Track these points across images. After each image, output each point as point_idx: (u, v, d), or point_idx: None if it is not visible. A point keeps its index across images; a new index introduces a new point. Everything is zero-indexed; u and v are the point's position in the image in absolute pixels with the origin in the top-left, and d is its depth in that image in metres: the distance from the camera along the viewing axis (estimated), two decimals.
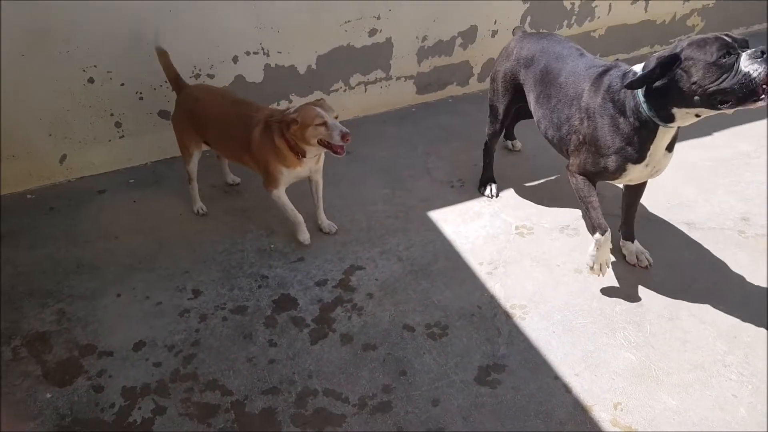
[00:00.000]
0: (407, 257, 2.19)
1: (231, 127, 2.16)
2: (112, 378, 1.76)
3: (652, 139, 1.77)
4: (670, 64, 1.62)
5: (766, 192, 2.47)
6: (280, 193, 2.17)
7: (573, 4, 3.24)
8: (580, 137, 1.91)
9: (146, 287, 2.09)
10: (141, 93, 2.59)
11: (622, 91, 1.76)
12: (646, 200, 2.42)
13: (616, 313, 1.94)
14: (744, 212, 2.38)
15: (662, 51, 1.69)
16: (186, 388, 1.73)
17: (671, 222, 2.33)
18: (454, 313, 1.94)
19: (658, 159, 1.83)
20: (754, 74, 1.51)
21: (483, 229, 2.32)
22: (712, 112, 1.63)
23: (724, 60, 1.55)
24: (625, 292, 2.02)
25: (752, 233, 2.27)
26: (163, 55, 2.27)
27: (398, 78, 3.07)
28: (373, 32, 2.88)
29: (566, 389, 1.69)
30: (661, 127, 1.74)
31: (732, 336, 1.85)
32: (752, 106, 1.55)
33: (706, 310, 1.94)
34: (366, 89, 3.03)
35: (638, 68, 1.74)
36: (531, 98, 2.17)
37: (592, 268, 1.95)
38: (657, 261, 2.13)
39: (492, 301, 1.99)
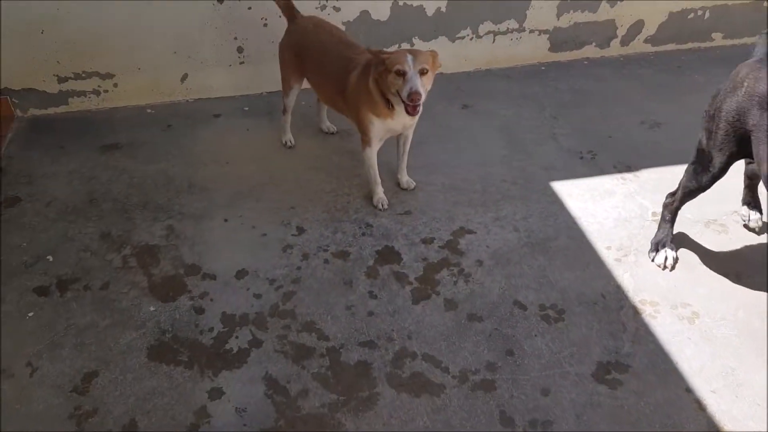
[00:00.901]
0: (524, 228, 2.00)
1: (331, 66, 2.01)
2: (213, 302, 1.74)
3: None
4: None
5: None
6: (373, 153, 2.00)
7: None
8: None
9: (253, 217, 2.05)
10: (266, 19, 2.50)
11: None
12: None
13: (765, 328, 1.68)
14: None
15: None
16: (284, 325, 1.67)
17: None
18: (573, 297, 1.75)
19: None
20: None
21: (614, 210, 2.08)
22: None
23: None
24: None
25: None
26: None
27: (532, 31, 2.80)
28: None
29: (699, 406, 1.48)
30: None
31: None
32: None
33: None
34: (494, 39, 2.78)
35: None
36: (763, 152, 1.56)
37: None
38: None
39: (618, 291, 1.77)
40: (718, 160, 1.70)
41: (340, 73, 1.96)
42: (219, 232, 1.99)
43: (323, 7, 2.52)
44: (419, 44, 2.70)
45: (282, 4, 2.18)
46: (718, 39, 3.03)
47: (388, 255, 1.90)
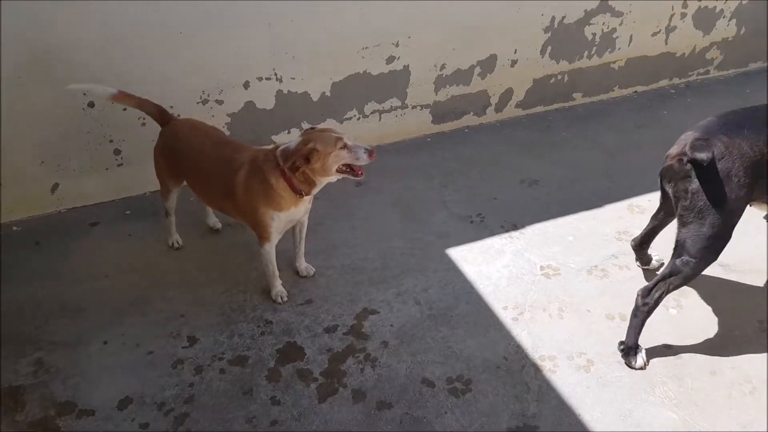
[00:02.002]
0: (425, 300, 2.05)
1: (211, 170, 1.93)
2: None
3: None
4: None
5: None
6: (272, 247, 1.94)
7: (594, 34, 3.15)
8: None
9: (137, 333, 1.91)
10: (144, 119, 2.47)
11: None
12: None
13: (654, 365, 1.80)
14: None
15: None
16: None
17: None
18: (478, 365, 1.80)
19: None
20: None
21: (506, 269, 2.18)
22: None
23: None
24: (662, 340, 1.87)
25: None
26: (123, 98, 2.03)
27: (414, 107, 2.97)
28: (390, 59, 2.78)
29: None
30: None
31: None
32: None
33: (749, 362, 1.80)
34: (381, 118, 2.92)
35: None
36: None
37: None
38: (694, 308, 2.00)
39: (519, 351, 1.84)
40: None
41: (224, 176, 1.89)
42: (97, 357, 1.82)
43: (205, 101, 2.53)
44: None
45: (151, 111, 2.09)
46: (578, 98, 3.36)
47: (290, 352, 1.85)
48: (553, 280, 2.12)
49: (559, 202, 2.55)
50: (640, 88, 3.51)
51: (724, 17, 3.47)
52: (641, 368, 1.78)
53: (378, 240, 2.35)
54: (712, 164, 1.61)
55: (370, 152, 1.77)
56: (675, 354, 1.83)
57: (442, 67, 2.91)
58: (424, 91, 2.94)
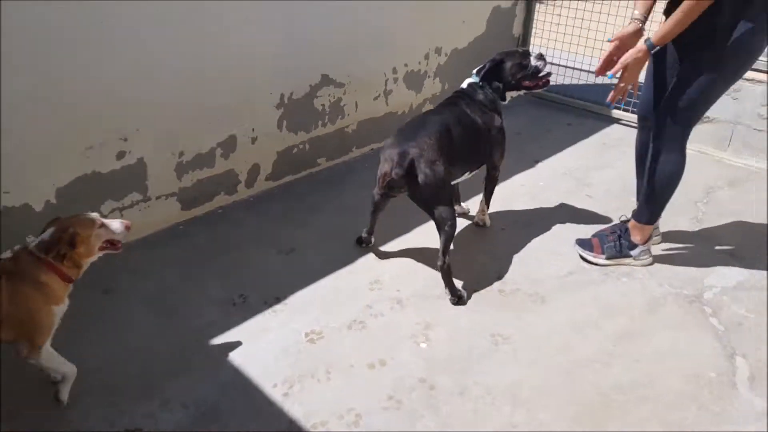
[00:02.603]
0: (192, 401, 1.97)
1: None
2: None
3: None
4: (498, 64, 2.62)
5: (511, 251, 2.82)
6: (49, 345, 1.81)
7: (323, 105, 3.45)
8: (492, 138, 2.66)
9: None
10: None
11: (481, 91, 2.66)
12: (425, 280, 2.58)
13: (412, 401, 1.98)
14: (498, 271, 2.66)
15: (489, 60, 2.67)
16: None
17: (444, 295, 2.50)
18: None
19: None
20: (540, 67, 2.64)
21: (272, 345, 2.22)
22: (522, 91, 2.72)
23: (524, 62, 2.62)
24: (417, 375, 2.08)
25: (509, 289, 2.54)
26: None
27: (158, 197, 2.89)
28: (121, 155, 2.68)
29: None
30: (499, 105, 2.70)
31: (512, 395, 2.01)
32: (540, 83, 2.67)
33: (489, 374, 2.09)
34: (122, 215, 2.78)
35: (472, 79, 2.70)
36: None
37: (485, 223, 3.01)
38: (441, 338, 2.26)
39: (292, 425, 1.87)
40: None
41: None
42: None
43: None
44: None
45: None
46: (323, 163, 3.62)
47: None
48: (318, 345, 2.22)
49: (317, 265, 2.69)
50: (375, 146, 3.91)
51: (429, 77, 4.08)
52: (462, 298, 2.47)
53: (135, 349, 2.20)
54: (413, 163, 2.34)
55: (125, 225, 1.89)
56: (429, 386, 2.04)
57: (181, 154, 2.90)
58: (166, 181, 2.89)
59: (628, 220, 2.78)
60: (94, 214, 1.88)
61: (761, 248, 2.87)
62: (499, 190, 3.06)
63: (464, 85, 2.71)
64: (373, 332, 2.28)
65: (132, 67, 2.58)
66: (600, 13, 4.40)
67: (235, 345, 2.22)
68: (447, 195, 2.43)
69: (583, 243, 2.75)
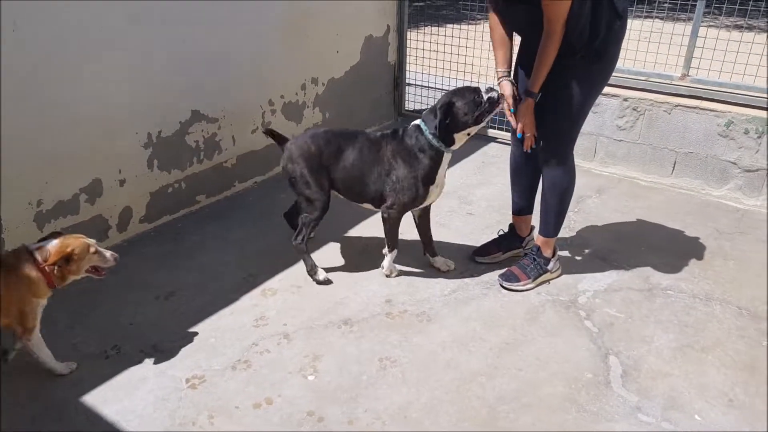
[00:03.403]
0: None
1: None
2: None
3: (440, 164, 2.62)
4: (449, 107, 2.51)
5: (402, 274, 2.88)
6: (38, 333, 2.12)
7: (197, 141, 3.37)
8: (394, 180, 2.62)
9: None
10: None
11: (415, 136, 2.60)
12: (311, 311, 2.57)
13: None
14: (387, 295, 2.71)
15: (436, 103, 2.57)
16: None
17: (332, 324, 2.50)
18: None
19: (442, 179, 2.68)
20: (494, 97, 2.53)
21: (150, 395, 2.10)
22: (478, 127, 2.60)
23: (477, 98, 2.51)
24: (305, 409, 2.05)
25: (396, 311, 2.59)
26: None
27: None
28: None
29: None
30: (445, 153, 2.60)
31: (402, 417, 2.03)
32: (496, 109, 2.56)
33: (378, 399, 2.10)
34: None
35: (419, 122, 2.61)
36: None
37: (389, 275, 2.84)
38: (329, 369, 2.24)
39: None
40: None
41: None
42: None
43: None
44: None
45: None
46: (203, 200, 3.52)
47: None
48: (199, 390, 2.13)
49: (198, 307, 2.59)
50: (258, 178, 3.87)
51: (308, 107, 4.12)
52: (326, 281, 2.78)
53: (3, 413, 2.00)
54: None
55: (114, 256, 2.20)
56: (318, 419, 2.02)
57: (39, 203, 2.70)
58: (26, 233, 2.66)
59: (505, 234, 3.00)
60: (92, 241, 2.15)
61: (629, 250, 3.11)
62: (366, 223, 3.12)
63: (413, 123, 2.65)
64: (259, 370, 2.23)
65: None
66: (467, 39, 4.68)
67: (108, 399, 2.08)
68: (303, 190, 2.69)
69: (507, 278, 2.76)
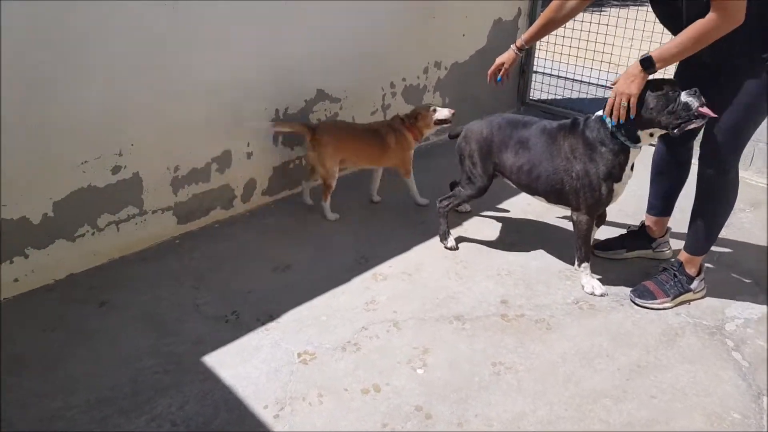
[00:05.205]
0: (182, 419, 1.92)
1: (370, 142, 3.16)
2: None
3: (627, 160, 2.40)
4: (638, 98, 2.20)
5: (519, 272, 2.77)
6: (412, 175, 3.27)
7: (319, 119, 3.42)
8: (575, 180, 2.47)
9: None
10: None
11: (597, 128, 2.39)
12: (422, 301, 2.53)
13: (407, 430, 1.91)
14: (502, 295, 2.61)
15: None
16: None
17: (443, 318, 2.45)
18: None
19: (628, 177, 2.47)
20: (692, 104, 2.15)
21: (264, 365, 2.16)
22: (662, 131, 2.29)
23: (671, 94, 2.18)
24: (413, 402, 2.01)
25: (513, 315, 2.48)
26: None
27: (155, 211, 2.86)
28: (116, 169, 2.65)
29: None
30: (632, 149, 2.37)
31: (515, 428, 1.94)
32: (689, 127, 2.20)
33: (490, 406, 2.01)
34: (119, 228, 2.74)
35: (602, 113, 2.37)
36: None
37: (594, 291, 2.57)
38: (438, 364, 2.18)
39: None
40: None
41: (377, 141, 3.18)
42: None
43: None
44: (34, 254, 2.49)
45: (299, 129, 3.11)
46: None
47: None
48: (310, 366, 2.17)
49: (312, 283, 2.64)
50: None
51: (428, 91, 4.06)
52: (453, 248, 2.92)
53: (127, 363, 2.16)
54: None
55: (451, 112, 3.09)
56: (426, 415, 1.97)
57: (176, 168, 2.87)
58: (162, 195, 2.85)
59: (637, 228, 2.84)
60: (433, 106, 3.11)
61: None
62: (504, 204, 3.01)
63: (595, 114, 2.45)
64: (368, 355, 2.23)
65: (125, 83, 2.57)
66: (607, 25, 4.37)
67: (226, 363, 2.17)
68: (469, 168, 2.79)
69: (640, 294, 2.51)
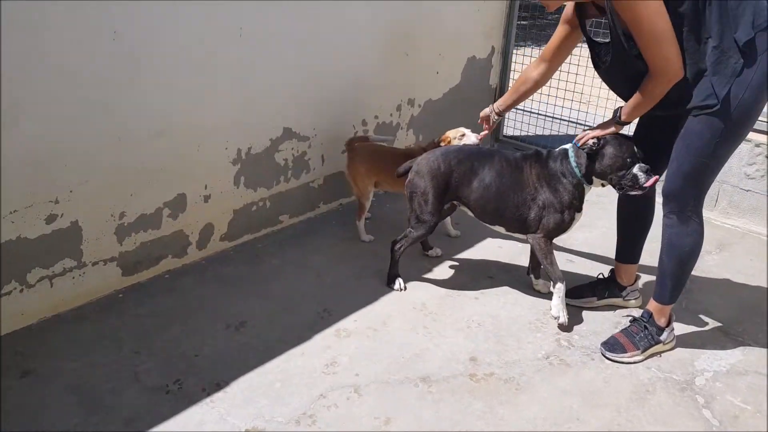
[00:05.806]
0: None
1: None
2: None
3: (584, 193, 2.50)
4: (601, 148, 2.33)
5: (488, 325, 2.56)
6: None
7: (286, 159, 3.22)
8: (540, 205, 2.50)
9: None
10: None
11: (560, 160, 2.47)
12: (387, 361, 2.31)
13: None
14: (472, 351, 2.39)
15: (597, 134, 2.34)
16: None
17: (409, 380, 2.22)
18: None
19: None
20: (640, 178, 2.28)
21: None
22: (609, 186, 2.42)
23: (627, 161, 2.29)
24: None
25: (482, 374, 2.27)
26: None
27: (95, 263, 2.60)
28: (51, 218, 2.41)
29: None
30: (585, 186, 2.47)
31: None
32: (631, 193, 2.34)
33: None
34: (52, 284, 2.48)
35: (568, 147, 2.47)
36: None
37: (558, 318, 2.49)
38: None
39: None
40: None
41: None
42: None
43: None
44: None
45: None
46: (285, 220, 3.36)
47: None
48: None
49: (267, 343, 2.40)
50: (344, 200, 3.67)
51: (401, 129, 3.90)
52: (400, 289, 2.78)
53: None
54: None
55: (479, 138, 2.86)
56: None
57: (122, 215, 2.62)
58: (104, 245, 2.60)
59: (605, 279, 2.72)
60: (465, 130, 2.95)
61: (756, 323, 2.63)
62: (475, 248, 2.84)
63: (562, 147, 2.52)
64: (324, 429, 1.98)
65: (61, 123, 2.34)
66: (571, 63, 4.25)
67: None
68: (419, 207, 2.63)
69: (611, 347, 2.40)
